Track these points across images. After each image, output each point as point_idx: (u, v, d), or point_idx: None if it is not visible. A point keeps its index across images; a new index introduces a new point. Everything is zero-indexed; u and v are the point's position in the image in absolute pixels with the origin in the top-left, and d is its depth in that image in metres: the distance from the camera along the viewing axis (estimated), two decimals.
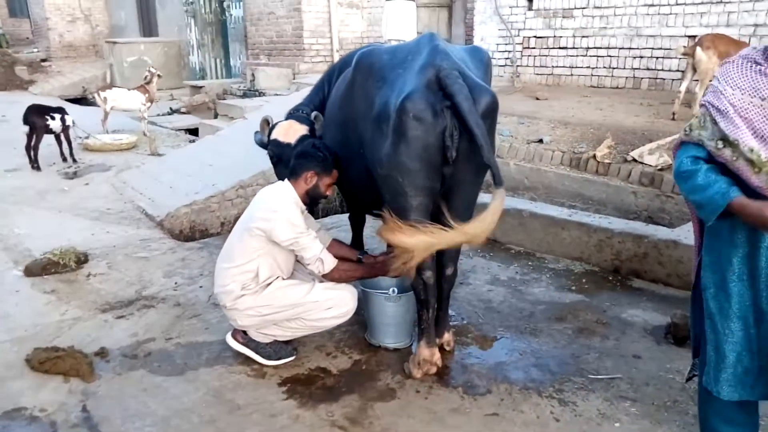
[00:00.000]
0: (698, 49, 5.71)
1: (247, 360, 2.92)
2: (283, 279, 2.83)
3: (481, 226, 2.39)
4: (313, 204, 2.89)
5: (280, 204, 2.69)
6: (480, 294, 3.75)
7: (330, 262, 2.74)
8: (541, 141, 5.79)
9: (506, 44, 8.84)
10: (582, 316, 3.42)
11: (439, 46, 2.63)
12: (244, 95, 10.18)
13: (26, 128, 6.73)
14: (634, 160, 4.97)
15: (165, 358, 2.99)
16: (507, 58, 8.88)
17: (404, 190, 2.60)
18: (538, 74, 8.58)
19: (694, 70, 5.82)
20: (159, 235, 4.87)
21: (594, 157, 5.18)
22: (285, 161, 3.14)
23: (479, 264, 4.25)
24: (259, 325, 2.80)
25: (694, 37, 6.50)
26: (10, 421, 2.51)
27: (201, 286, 3.83)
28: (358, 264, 2.95)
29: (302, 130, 3.27)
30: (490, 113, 2.62)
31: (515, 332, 3.25)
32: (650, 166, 4.86)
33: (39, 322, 3.33)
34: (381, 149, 2.61)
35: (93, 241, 4.63)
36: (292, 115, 3.46)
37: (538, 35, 8.48)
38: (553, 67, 8.40)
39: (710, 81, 5.90)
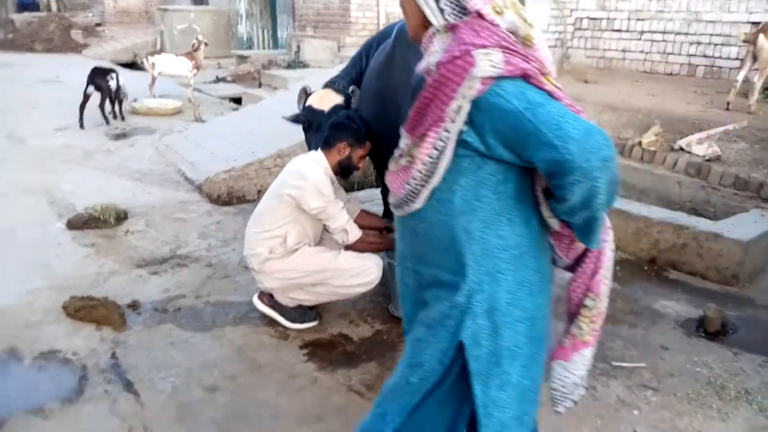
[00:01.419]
0: (761, 36, 5.43)
1: (272, 322, 2.97)
2: (311, 246, 2.86)
3: None
4: (345, 175, 2.90)
5: (311, 172, 2.72)
6: None
7: (355, 233, 2.77)
8: None
9: (557, 24, 8.59)
10: (612, 304, 3.32)
11: None
12: (289, 66, 10.22)
13: (90, 89, 6.96)
14: (682, 149, 4.80)
15: (193, 314, 3.08)
16: (558, 39, 8.64)
17: None
18: (588, 57, 8.33)
19: (755, 58, 5.55)
20: (197, 198, 4.98)
21: (639, 144, 5.02)
22: (315, 128, 3.15)
23: None
24: (285, 288, 2.85)
25: (758, 23, 6.17)
26: (45, 361, 2.63)
27: (233, 249, 3.90)
28: (382, 236, 2.95)
29: (337, 99, 3.26)
30: None
31: None
32: (698, 156, 4.68)
33: (77, 274, 3.47)
34: None
35: (133, 200, 4.76)
36: (328, 86, 3.45)
37: (591, 16, 8.22)
38: (604, 50, 8.14)
39: None
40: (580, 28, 8.35)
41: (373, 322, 3.04)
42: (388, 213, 4.13)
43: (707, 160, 4.61)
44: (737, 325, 3.10)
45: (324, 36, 10.78)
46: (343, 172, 2.87)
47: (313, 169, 2.74)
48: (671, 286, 3.61)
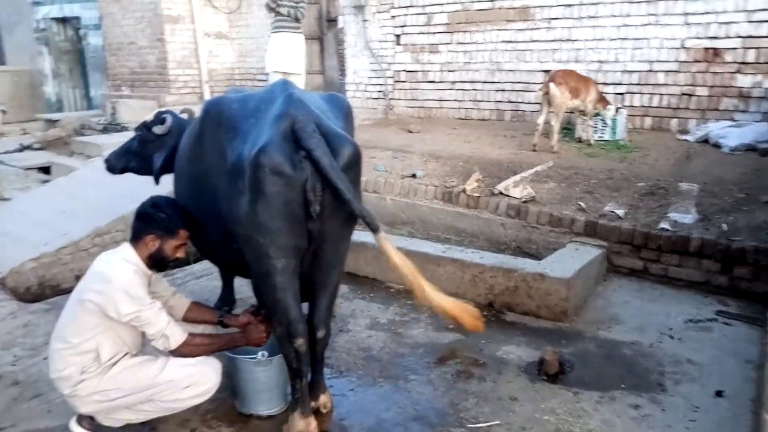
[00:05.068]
0: (551, 84, 6.10)
1: None
2: (132, 355, 2.52)
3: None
4: (160, 268, 2.61)
5: (116, 273, 2.37)
6: (360, 341, 3.64)
7: (177, 338, 2.43)
8: (414, 176, 5.86)
9: (378, 78, 8.98)
10: (460, 357, 3.42)
11: (294, 95, 2.49)
12: (105, 129, 9.47)
13: None
14: (501, 193, 5.16)
15: None
16: (380, 91, 9.02)
17: (267, 252, 2.39)
18: (410, 107, 8.78)
19: (549, 103, 6.21)
20: None
21: (464, 191, 5.32)
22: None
23: (359, 307, 4.15)
24: (107, 411, 2.47)
25: (549, 71, 6.96)
26: None
27: (45, 358, 3.33)
28: (213, 337, 2.66)
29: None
30: (354, 164, 2.51)
31: (395, 382, 3.16)
32: (516, 198, 5.07)
33: None
34: (238, 207, 2.41)
35: None
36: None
37: (407, 69, 8.71)
38: (423, 100, 8.64)
39: (564, 112, 6.33)
40: (399, 81, 8.81)
41: (219, 426, 2.76)
42: (227, 292, 3.89)
43: (524, 202, 5.00)
44: (573, 363, 3.31)
45: (142, 95, 10.20)
46: (157, 265, 2.57)
47: (119, 268, 2.40)
48: (510, 329, 3.79)
